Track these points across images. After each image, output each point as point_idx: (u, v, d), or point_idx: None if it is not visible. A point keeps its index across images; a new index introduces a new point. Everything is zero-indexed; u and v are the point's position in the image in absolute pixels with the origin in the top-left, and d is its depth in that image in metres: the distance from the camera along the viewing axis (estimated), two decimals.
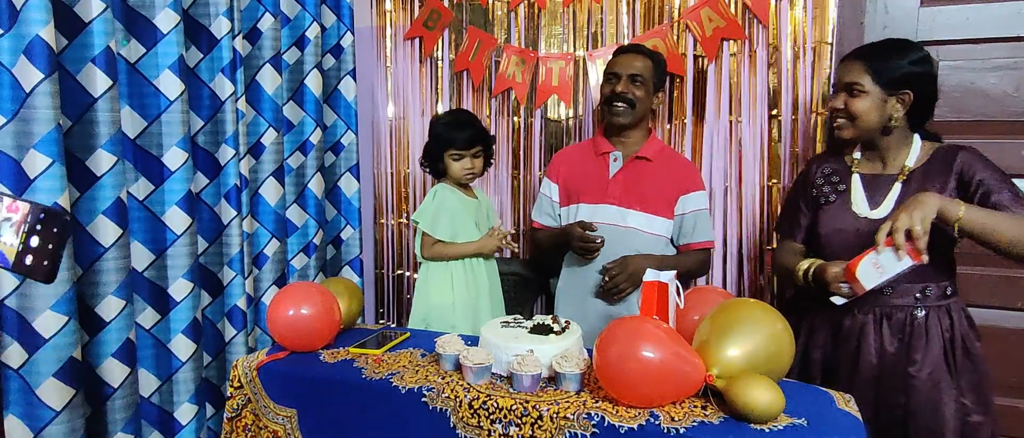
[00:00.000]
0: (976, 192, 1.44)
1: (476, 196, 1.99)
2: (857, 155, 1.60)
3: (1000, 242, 1.36)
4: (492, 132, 2.36)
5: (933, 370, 1.48)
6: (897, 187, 1.52)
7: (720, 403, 1.24)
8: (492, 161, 2.02)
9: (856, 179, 1.58)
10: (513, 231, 1.98)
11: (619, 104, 1.88)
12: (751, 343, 1.22)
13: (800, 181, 1.71)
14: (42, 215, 0.75)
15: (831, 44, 1.98)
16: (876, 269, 1.35)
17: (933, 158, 1.51)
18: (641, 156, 1.92)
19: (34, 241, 0.74)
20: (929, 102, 1.52)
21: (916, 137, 1.54)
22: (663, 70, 1.94)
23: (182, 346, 1.70)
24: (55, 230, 0.75)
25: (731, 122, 2.12)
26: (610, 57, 1.96)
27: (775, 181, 2.09)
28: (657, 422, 1.18)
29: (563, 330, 1.46)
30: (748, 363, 1.21)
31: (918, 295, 1.49)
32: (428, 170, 1.96)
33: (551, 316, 1.52)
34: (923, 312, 1.49)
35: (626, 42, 2.16)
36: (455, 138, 1.86)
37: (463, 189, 1.95)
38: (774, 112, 2.06)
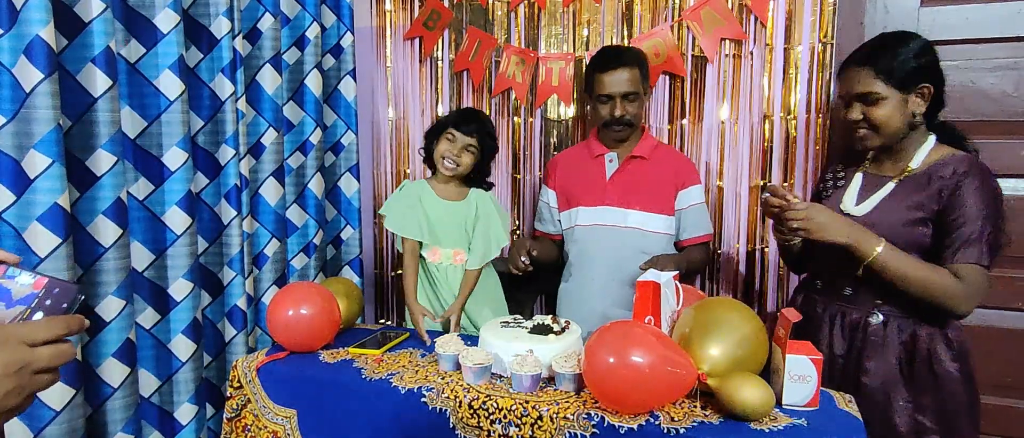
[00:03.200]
0: (952, 226, 1.38)
1: (468, 200, 1.84)
2: (871, 154, 1.55)
3: (910, 288, 1.38)
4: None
5: (885, 380, 1.45)
6: (890, 186, 1.48)
7: (709, 401, 1.24)
8: (487, 174, 1.88)
9: (858, 176, 1.55)
10: (439, 322, 1.78)
11: (618, 127, 1.88)
12: (731, 341, 1.23)
13: (820, 174, 1.74)
14: (56, 290, 0.74)
15: (831, 44, 1.98)
16: None
17: (938, 164, 1.43)
18: (636, 155, 1.92)
19: (37, 315, 0.72)
20: (941, 91, 1.46)
21: (931, 137, 1.48)
22: (647, 68, 1.91)
23: (182, 346, 1.70)
24: (64, 305, 0.73)
25: (730, 122, 2.11)
26: (594, 68, 1.88)
27: (786, 182, 2.09)
28: (657, 422, 1.18)
29: (563, 330, 1.46)
30: (732, 359, 1.22)
31: (879, 301, 1.46)
32: (424, 156, 1.87)
33: (551, 316, 1.52)
34: (880, 319, 1.46)
35: (626, 41, 2.16)
36: (457, 119, 1.80)
37: (446, 190, 1.84)
38: (774, 112, 2.06)
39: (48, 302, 0.73)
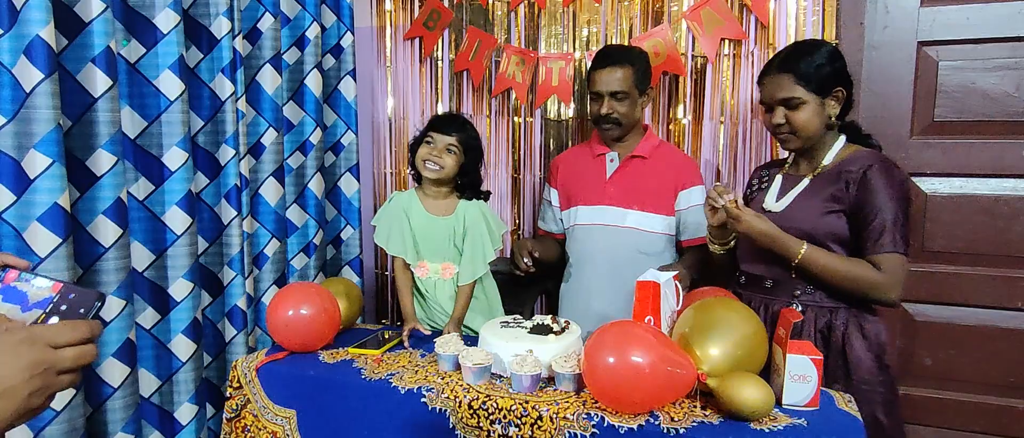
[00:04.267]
0: (865, 220, 1.45)
1: (456, 214, 1.78)
2: (790, 157, 1.67)
3: (837, 282, 1.46)
4: (492, 132, 2.37)
5: None
6: (805, 183, 1.57)
7: (709, 401, 1.24)
8: (477, 182, 1.82)
9: (778, 177, 1.65)
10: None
11: (606, 125, 1.88)
12: (730, 341, 1.23)
13: (748, 179, 1.84)
14: (72, 295, 0.73)
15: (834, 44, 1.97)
16: None
17: (846, 160, 1.52)
18: (637, 155, 1.92)
19: (53, 320, 0.72)
20: (851, 93, 1.56)
21: (842, 137, 1.57)
22: (646, 68, 1.88)
23: (182, 346, 1.70)
24: (82, 310, 0.73)
25: (731, 122, 2.11)
26: (591, 65, 1.88)
27: None
28: (657, 422, 1.18)
29: (563, 330, 1.46)
30: (732, 359, 1.22)
31: (797, 292, 1.53)
32: (412, 171, 1.81)
33: (550, 316, 1.52)
34: (799, 308, 1.52)
35: (626, 41, 2.16)
36: (438, 121, 1.76)
37: (434, 204, 1.78)
38: None
39: (64, 307, 0.73)
